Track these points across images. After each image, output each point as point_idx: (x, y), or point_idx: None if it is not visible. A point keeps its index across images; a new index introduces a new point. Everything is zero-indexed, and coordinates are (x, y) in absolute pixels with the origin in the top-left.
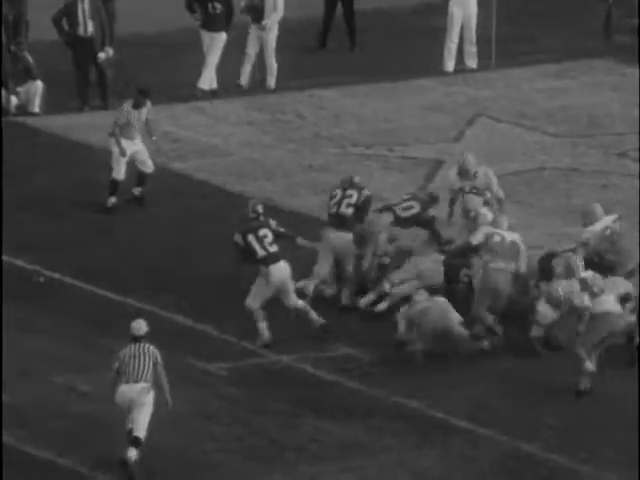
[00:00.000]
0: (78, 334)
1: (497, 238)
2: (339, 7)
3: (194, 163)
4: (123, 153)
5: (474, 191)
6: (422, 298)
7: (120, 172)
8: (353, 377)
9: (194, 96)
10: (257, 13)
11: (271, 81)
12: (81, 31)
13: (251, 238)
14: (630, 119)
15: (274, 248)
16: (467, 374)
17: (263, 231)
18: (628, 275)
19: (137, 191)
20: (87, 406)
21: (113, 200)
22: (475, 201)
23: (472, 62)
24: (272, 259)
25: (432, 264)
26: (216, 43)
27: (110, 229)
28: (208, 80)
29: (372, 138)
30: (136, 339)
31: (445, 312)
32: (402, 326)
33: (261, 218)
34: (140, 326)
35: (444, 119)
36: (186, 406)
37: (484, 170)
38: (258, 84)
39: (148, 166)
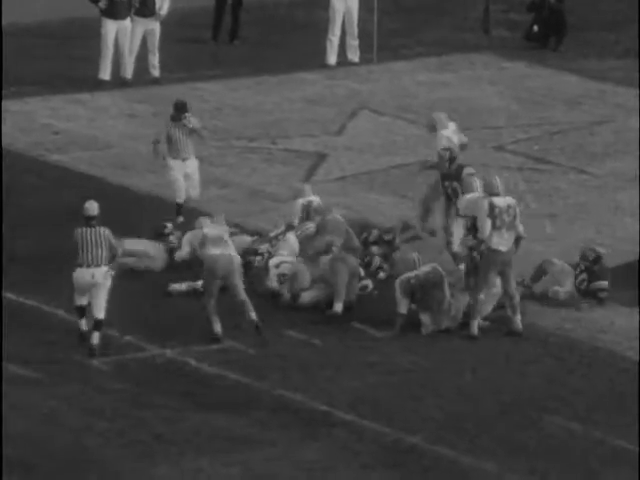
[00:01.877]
0: None
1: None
2: None
3: (74, 155)
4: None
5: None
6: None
7: (180, 195)
8: (237, 370)
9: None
10: (145, 6)
11: (155, 72)
12: None
13: None
14: (508, 112)
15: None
16: (350, 366)
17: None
18: None
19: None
20: None
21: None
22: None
23: (354, 56)
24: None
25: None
26: (122, 31)
27: None
28: (129, 69)
29: (255, 131)
30: (89, 219)
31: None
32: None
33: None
34: (93, 207)
35: (326, 112)
36: (68, 401)
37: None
38: (141, 76)
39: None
